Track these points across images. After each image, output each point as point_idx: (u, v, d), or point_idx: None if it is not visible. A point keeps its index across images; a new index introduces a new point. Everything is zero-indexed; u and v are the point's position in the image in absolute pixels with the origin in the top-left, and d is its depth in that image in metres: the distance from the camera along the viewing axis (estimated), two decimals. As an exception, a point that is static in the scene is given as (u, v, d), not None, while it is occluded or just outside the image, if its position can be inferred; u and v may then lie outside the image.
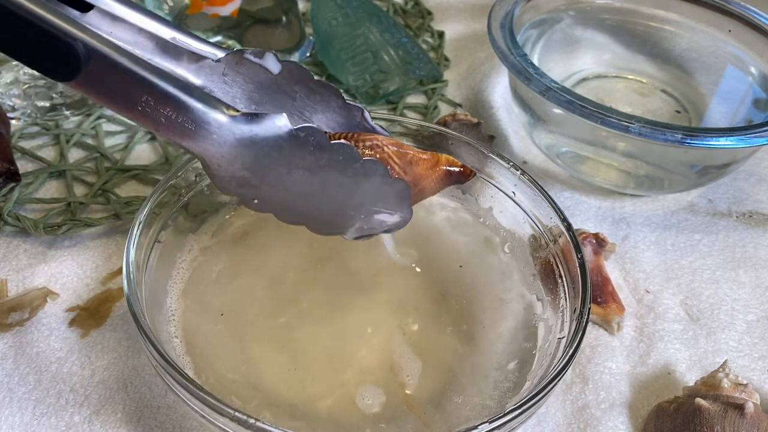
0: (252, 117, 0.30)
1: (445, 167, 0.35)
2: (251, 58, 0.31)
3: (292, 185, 0.32)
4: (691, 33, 0.58)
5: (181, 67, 0.32)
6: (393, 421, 0.34)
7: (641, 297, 0.45)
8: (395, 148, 0.34)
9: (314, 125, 0.31)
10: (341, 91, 0.34)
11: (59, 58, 0.27)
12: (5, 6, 0.26)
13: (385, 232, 0.35)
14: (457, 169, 0.35)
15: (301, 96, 0.33)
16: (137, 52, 0.31)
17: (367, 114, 0.34)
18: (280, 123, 0.30)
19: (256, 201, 0.32)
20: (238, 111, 0.30)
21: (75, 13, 0.30)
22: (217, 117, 0.29)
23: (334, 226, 0.34)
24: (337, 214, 0.33)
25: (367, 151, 0.33)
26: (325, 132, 0.33)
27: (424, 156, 0.34)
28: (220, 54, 0.31)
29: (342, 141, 0.31)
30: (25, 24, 0.26)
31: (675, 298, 0.45)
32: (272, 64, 0.32)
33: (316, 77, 0.33)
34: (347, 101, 0.34)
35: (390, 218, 0.34)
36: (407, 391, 0.35)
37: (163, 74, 0.29)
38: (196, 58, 0.31)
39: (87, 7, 0.30)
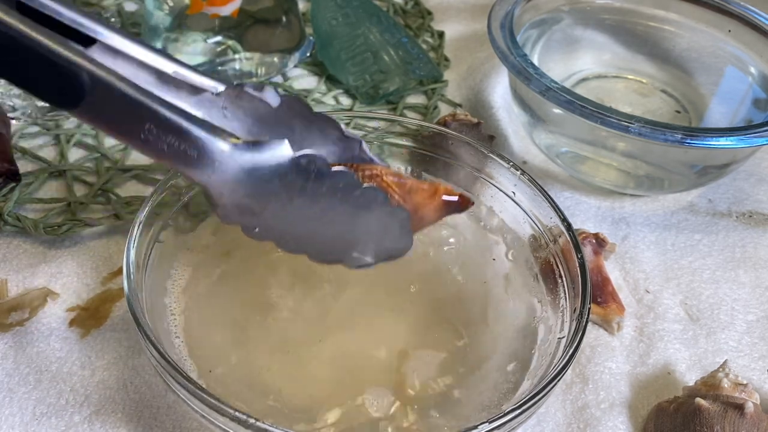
0: (254, 145, 0.30)
1: (443, 196, 0.35)
2: (251, 91, 0.32)
3: (294, 213, 0.32)
4: (691, 33, 0.58)
5: (181, 100, 0.32)
6: (398, 421, 0.34)
7: (641, 297, 0.45)
8: (394, 178, 0.34)
9: (315, 153, 0.31)
10: (341, 125, 0.35)
11: (63, 87, 0.27)
12: (13, 36, 0.26)
13: (386, 260, 0.34)
14: (455, 199, 0.35)
15: (299, 129, 0.33)
16: (139, 83, 0.31)
17: (365, 145, 0.34)
18: (282, 150, 0.30)
19: (257, 229, 0.32)
20: (239, 139, 0.30)
21: (78, 47, 0.30)
22: (220, 145, 0.29)
23: (335, 255, 0.34)
24: (337, 243, 0.33)
25: (366, 181, 0.33)
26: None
27: (423, 186, 0.35)
28: (220, 87, 0.32)
29: (342, 168, 0.31)
30: (33, 54, 0.27)
31: (675, 298, 0.45)
32: (271, 97, 0.32)
33: (315, 110, 0.33)
34: (345, 133, 0.34)
35: (391, 246, 0.34)
36: (410, 392, 0.35)
37: (166, 103, 0.29)
38: (196, 91, 0.32)
39: (89, 42, 0.30)
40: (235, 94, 0.32)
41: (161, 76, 0.32)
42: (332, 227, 0.33)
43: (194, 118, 0.30)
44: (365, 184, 0.32)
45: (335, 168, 0.31)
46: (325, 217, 0.32)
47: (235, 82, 0.31)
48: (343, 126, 0.34)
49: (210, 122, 0.30)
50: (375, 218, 0.32)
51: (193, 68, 0.32)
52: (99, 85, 0.28)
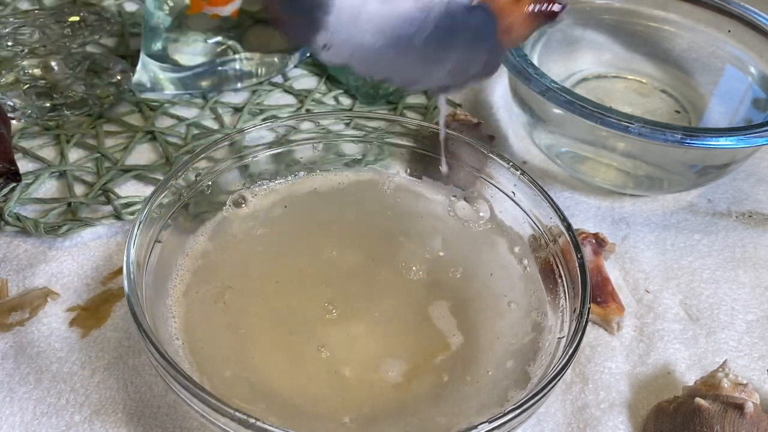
0: None
1: (530, 5, 0.30)
2: None
3: (367, 23, 0.27)
4: (691, 33, 0.58)
5: None
6: (395, 422, 0.34)
7: (641, 297, 0.45)
8: None
9: None
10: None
11: None
12: None
13: (474, 79, 0.30)
14: (543, 7, 0.30)
15: None
16: None
17: None
18: None
19: (328, 48, 0.28)
20: None
21: None
22: None
23: (416, 72, 0.30)
24: (417, 56, 0.29)
25: None
26: None
27: None
28: None
29: None
30: None
31: (675, 297, 0.46)
32: None
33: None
34: None
35: (475, 58, 0.29)
36: (409, 391, 0.35)
37: None
38: None
39: None
40: None
41: None
42: (409, 36, 0.28)
43: None
44: None
45: None
46: (401, 23, 0.28)
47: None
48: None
49: None
50: (455, 20, 0.28)
51: None
52: None
